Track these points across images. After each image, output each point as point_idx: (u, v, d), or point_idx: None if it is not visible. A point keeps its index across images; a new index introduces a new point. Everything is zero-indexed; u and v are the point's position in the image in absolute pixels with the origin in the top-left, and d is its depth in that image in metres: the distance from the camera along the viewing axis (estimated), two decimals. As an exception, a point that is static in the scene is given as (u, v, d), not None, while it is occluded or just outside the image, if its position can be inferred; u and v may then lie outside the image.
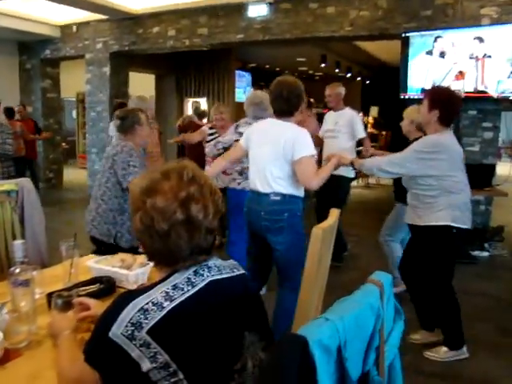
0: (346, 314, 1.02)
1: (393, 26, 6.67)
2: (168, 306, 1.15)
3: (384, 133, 15.18)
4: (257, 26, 7.69)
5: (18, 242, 1.70)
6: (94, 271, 2.14)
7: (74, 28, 9.54)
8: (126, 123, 3.34)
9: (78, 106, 14.52)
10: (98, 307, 1.67)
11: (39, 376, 1.43)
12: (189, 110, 10.23)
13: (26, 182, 2.89)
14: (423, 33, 6.41)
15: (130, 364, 1.13)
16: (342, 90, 5.39)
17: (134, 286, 2.00)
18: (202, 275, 1.25)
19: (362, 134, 5.24)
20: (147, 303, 1.15)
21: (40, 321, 1.68)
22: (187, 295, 1.18)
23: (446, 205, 3.00)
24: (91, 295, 1.86)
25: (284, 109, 2.94)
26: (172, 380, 1.13)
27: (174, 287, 1.19)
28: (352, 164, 3.29)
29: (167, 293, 1.18)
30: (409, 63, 6.66)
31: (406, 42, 6.57)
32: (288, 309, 2.33)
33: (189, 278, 1.22)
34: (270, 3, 7.49)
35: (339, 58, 13.24)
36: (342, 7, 7.01)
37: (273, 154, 2.88)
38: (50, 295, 1.84)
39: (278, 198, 2.89)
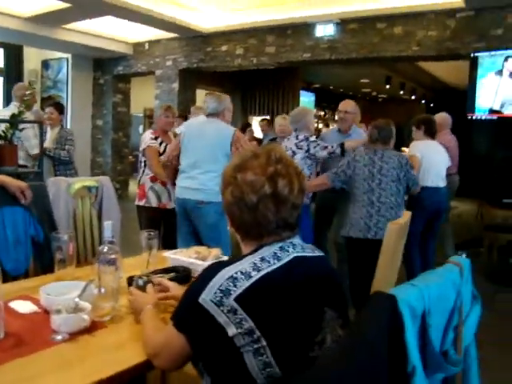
0: (430, 283, 1.06)
1: (462, 45, 6.60)
2: (255, 275, 1.22)
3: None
4: (324, 46, 7.79)
5: (108, 222, 1.81)
6: (170, 262, 2.24)
7: (146, 45, 9.94)
8: (387, 133, 3.80)
9: (144, 121, 15.03)
10: (176, 289, 1.76)
11: (124, 345, 1.54)
12: (254, 127, 10.35)
13: (105, 180, 3.05)
14: (493, 53, 6.32)
15: (216, 329, 1.20)
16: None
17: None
18: (288, 251, 1.31)
19: None
20: (236, 272, 1.23)
21: (121, 301, 1.78)
22: (273, 267, 1.25)
23: None
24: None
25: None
26: (255, 346, 1.19)
27: (262, 259, 1.26)
28: None
29: (255, 264, 1.25)
30: (477, 83, 6.57)
31: (474, 62, 6.50)
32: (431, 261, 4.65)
33: (275, 253, 1.29)
34: (337, 23, 7.59)
35: (404, 80, 13.17)
36: (409, 27, 7.02)
37: (445, 159, 4.69)
38: (130, 278, 1.95)
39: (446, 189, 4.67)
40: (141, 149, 4.44)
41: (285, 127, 5.78)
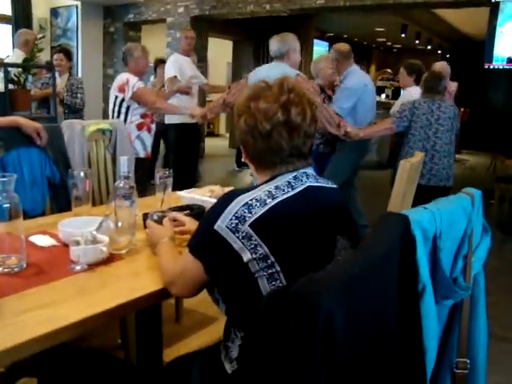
0: (442, 207, 1.08)
1: (482, -10, 6.40)
2: (270, 202, 1.25)
3: (462, 109, 14.68)
4: (338, -8, 7.60)
5: (124, 158, 1.83)
6: (184, 200, 2.27)
7: (157, -8, 9.76)
8: (443, 84, 4.00)
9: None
10: (191, 223, 1.80)
11: (140, 274, 1.60)
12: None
13: (119, 123, 3.07)
14: (517, -3, 6.13)
15: (231, 255, 1.23)
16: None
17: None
18: (301, 180, 1.33)
19: None
20: (251, 199, 1.25)
21: (137, 235, 1.82)
22: (288, 195, 1.28)
23: None
24: (183, 218, 1.98)
25: None
26: (269, 271, 1.22)
27: (276, 188, 1.29)
28: None
29: (270, 192, 1.27)
30: (496, 31, 6.41)
31: (495, 8, 6.31)
32: None
33: (289, 182, 1.32)
34: (352, -33, 7.37)
35: (420, 29, 12.85)
36: (427, -29, 6.81)
37: None
38: (145, 215, 1.98)
39: None
40: (124, 94, 4.07)
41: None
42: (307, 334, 0.77)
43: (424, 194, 2.72)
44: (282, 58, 3.72)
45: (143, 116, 4.20)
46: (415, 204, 3.31)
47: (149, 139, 4.28)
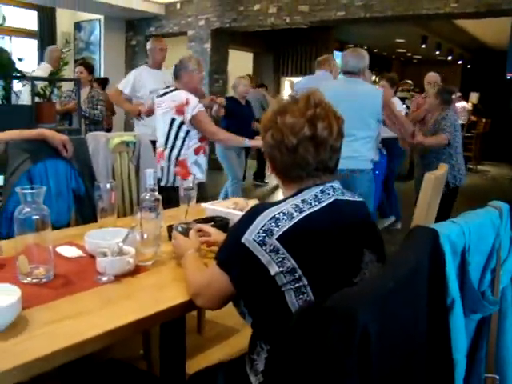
0: (470, 221, 1.08)
1: (503, 0, 6.33)
2: (297, 216, 1.25)
3: (484, 120, 14.54)
4: (358, 4, 7.60)
5: (150, 170, 1.85)
6: (208, 212, 2.28)
7: (178, 5, 9.86)
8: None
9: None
10: (217, 235, 1.81)
11: (166, 285, 1.61)
12: (285, 89, 10.28)
13: (142, 136, 3.09)
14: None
15: (258, 268, 1.24)
16: None
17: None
18: (328, 194, 1.34)
19: None
20: (279, 213, 1.26)
21: (162, 247, 1.84)
22: (315, 209, 1.28)
23: None
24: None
25: None
26: (296, 285, 1.23)
27: (303, 201, 1.30)
28: None
29: (297, 205, 1.28)
30: (519, 41, 6.36)
31: (517, 19, 6.27)
32: None
33: (316, 195, 1.32)
34: (372, -21, 7.39)
35: (440, 40, 12.80)
36: (447, -19, 6.78)
37: None
38: (170, 227, 2.00)
39: None
40: (183, 117, 3.44)
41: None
42: (345, 347, 0.77)
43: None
44: (358, 74, 3.57)
45: (201, 139, 3.63)
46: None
47: (205, 162, 3.76)
